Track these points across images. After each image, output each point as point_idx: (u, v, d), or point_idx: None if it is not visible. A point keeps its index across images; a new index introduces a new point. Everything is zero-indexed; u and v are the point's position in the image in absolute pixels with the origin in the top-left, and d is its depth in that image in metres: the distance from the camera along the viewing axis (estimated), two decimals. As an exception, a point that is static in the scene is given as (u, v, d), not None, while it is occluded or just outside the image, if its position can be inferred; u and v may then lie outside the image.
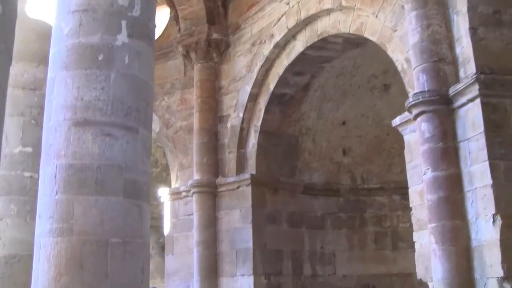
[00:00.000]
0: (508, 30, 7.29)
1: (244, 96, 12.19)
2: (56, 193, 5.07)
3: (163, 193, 13.49)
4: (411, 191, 8.35)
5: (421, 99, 7.48)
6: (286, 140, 12.61)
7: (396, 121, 8.71)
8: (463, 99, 7.21)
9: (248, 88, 12.13)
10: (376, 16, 9.25)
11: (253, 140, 12.13)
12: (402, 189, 10.28)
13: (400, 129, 8.65)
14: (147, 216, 5.47)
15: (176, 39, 13.31)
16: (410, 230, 8.72)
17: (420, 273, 8.04)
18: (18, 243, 7.71)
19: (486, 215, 6.76)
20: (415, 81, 7.77)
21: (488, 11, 7.33)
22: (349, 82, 12.38)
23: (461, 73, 7.42)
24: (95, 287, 4.87)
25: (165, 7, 13.64)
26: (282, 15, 11.42)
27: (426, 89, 7.49)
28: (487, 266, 6.73)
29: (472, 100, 7.09)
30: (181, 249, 12.71)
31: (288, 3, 11.27)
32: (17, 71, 8.28)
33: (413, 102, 7.61)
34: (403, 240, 12.52)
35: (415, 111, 7.65)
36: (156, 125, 13.38)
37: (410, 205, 8.38)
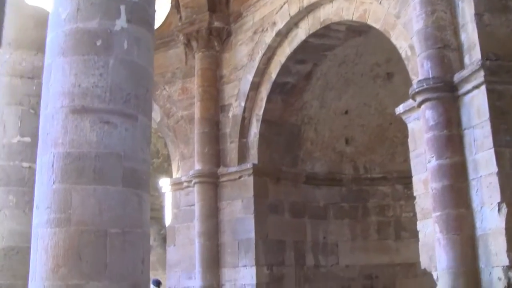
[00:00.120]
0: (514, 15, 7.20)
1: (245, 85, 12.11)
2: (53, 183, 4.98)
3: (164, 183, 13.42)
4: (415, 179, 8.26)
5: (425, 86, 7.40)
6: (288, 130, 12.52)
7: (399, 109, 8.61)
8: (468, 86, 7.13)
9: (249, 77, 12.03)
10: (380, 3, 9.16)
11: (255, 130, 12.04)
12: (405, 179, 10.22)
13: (403, 117, 8.56)
14: (147, 206, 5.38)
15: (177, 28, 13.20)
16: (413, 219, 8.65)
17: (424, 262, 7.97)
18: (17, 234, 7.62)
19: (491, 204, 6.70)
20: (419, 68, 7.69)
21: (494, -4, 7.23)
22: (352, 70, 12.28)
23: (466, 60, 7.34)
24: (93, 278, 4.78)
25: (166, -5, 13.52)
26: (284, 3, 11.30)
27: (430, 76, 7.42)
28: (492, 255, 6.68)
29: (477, 87, 7.01)
30: (183, 240, 12.65)
31: (290, -10, 11.17)
32: (15, 59, 8.19)
33: (417, 89, 7.52)
34: (406, 230, 12.43)
35: (419, 99, 7.56)
36: (157, 115, 13.31)
37: (414, 194, 8.30)
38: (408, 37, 8.48)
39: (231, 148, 12.22)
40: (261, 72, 11.95)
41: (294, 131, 12.65)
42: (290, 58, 11.53)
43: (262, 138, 12.01)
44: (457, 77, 7.24)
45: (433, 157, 7.27)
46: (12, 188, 7.82)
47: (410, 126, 8.46)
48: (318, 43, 11.31)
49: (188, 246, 12.40)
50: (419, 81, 7.54)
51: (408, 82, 8.64)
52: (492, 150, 6.71)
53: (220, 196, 12.12)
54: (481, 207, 6.86)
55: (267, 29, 11.71)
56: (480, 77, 6.91)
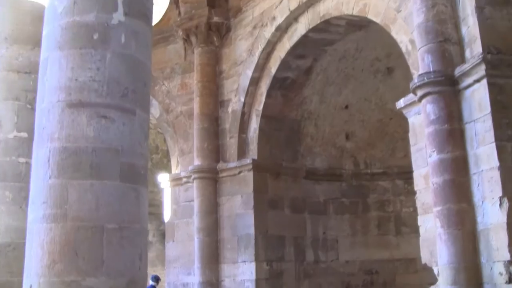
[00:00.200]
0: (515, 9, 7.14)
1: (245, 80, 12.06)
2: (49, 178, 4.91)
3: (163, 179, 13.38)
4: (416, 174, 8.22)
5: (426, 80, 7.35)
6: (288, 125, 12.47)
7: (400, 104, 8.55)
8: (469, 80, 7.08)
9: (249, 72, 11.99)
10: (380, -3, 9.09)
11: (254, 125, 12.00)
12: (406, 174, 10.20)
13: (404, 111, 8.50)
14: (145, 201, 5.31)
15: (176, 23, 13.15)
16: (413, 215, 8.61)
17: (424, 257, 7.94)
18: (13, 230, 7.59)
19: (493, 198, 6.67)
20: (420, 62, 7.63)
21: (495, -11, 7.17)
22: (352, 65, 12.23)
23: (467, 54, 7.29)
24: (90, 274, 4.71)
25: (164, -10, 13.45)
26: (284, -3, 11.24)
27: (431, 70, 7.37)
28: (493, 250, 6.65)
29: (478, 80, 6.96)
30: (182, 236, 12.62)
31: (290, -15, 11.10)
32: (11, 54, 8.15)
33: (418, 83, 7.47)
34: (406, 225, 12.42)
35: (420, 93, 7.51)
36: (156, 111, 13.28)
37: (415, 189, 8.26)
38: (409, 31, 8.43)
39: (231, 143, 12.18)
40: (261, 67, 11.90)
41: (294, 126, 12.60)
42: (290, 53, 11.48)
43: (262, 134, 11.97)
44: (458, 71, 7.18)
45: (434, 151, 7.23)
46: (9, 184, 7.79)
47: (410, 120, 8.40)
48: (318, 38, 11.26)
49: (187, 242, 12.37)
50: (420, 75, 7.48)
51: (408, 76, 8.59)
52: (494, 144, 6.67)
53: (219, 192, 12.08)
54: (483, 202, 6.83)
55: (266, 24, 11.65)
56: (481, 70, 6.86)
